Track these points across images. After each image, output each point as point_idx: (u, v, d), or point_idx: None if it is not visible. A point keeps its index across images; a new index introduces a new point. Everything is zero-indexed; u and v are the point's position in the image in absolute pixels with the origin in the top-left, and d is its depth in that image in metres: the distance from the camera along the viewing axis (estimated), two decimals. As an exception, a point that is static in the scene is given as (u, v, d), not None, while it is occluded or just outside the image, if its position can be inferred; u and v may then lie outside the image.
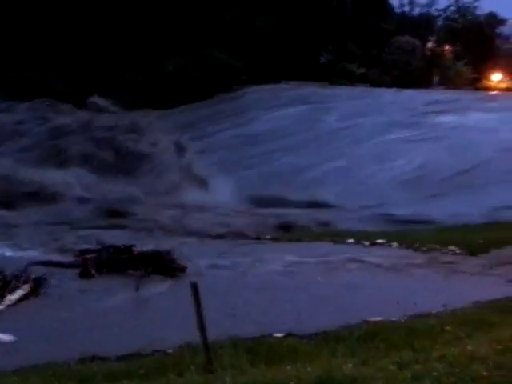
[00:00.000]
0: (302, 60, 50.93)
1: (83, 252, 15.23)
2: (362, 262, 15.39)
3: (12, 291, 12.53)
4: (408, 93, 45.32)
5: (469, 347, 7.15)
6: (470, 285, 13.00)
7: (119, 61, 40.21)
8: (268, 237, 19.79)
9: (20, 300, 12.48)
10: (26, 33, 36.02)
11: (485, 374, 6.21)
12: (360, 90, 46.63)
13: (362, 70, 53.98)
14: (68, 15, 38.17)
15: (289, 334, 9.96)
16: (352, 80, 50.24)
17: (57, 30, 37.36)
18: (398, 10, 68.40)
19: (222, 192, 26.05)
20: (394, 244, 17.55)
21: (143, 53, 41.63)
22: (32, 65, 35.69)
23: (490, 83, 60.12)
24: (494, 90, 56.66)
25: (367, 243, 17.81)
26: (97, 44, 39.08)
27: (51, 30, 37.05)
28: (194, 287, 8.55)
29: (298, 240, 19.02)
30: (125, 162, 27.34)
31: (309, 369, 7.61)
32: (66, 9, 38.21)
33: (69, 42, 37.58)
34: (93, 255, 14.88)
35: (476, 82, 59.34)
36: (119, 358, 9.36)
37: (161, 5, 42.96)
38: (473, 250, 16.31)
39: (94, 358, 9.31)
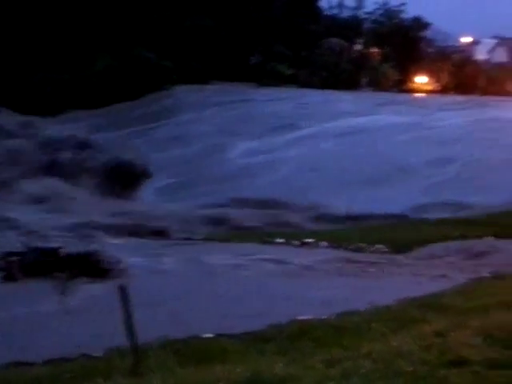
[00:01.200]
0: (233, 60, 51.07)
1: (8, 255, 14.84)
2: (289, 263, 15.54)
3: None
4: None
5: (394, 343, 7.29)
6: (395, 282, 13.30)
7: (45, 60, 39.38)
8: (198, 237, 19.77)
9: None
10: None
11: (409, 369, 6.34)
12: (288, 91, 47.12)
13: (292, 71, 54.48)
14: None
15: (218, 335, 9.95)
16: (281, 81, 50.64)
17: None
18: (327, 13, 69.36)
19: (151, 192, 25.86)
20: (323, 243, 17.79)
21: (71, 51, 40.91)
22: None
23: (415, 85, 61.68)
24: (419, 92, 58.17)
25: (297, 243, 18.00)
26: (22, 42, 38.17)
27: None
28: (122, 289, 8.44)
29: (227, 240, 19.07)
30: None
31: (238, 369, 7.61)
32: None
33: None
34: (17, 258, 14.53)
35: (401, 84, 60.76)
36: (45, 363, 9.16)
37: (90, 3, 42.31)
38: (399, 248, 16.71)
39: (19, 364, 9.09)
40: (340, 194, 26.19)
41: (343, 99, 43.92)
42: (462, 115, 38.34)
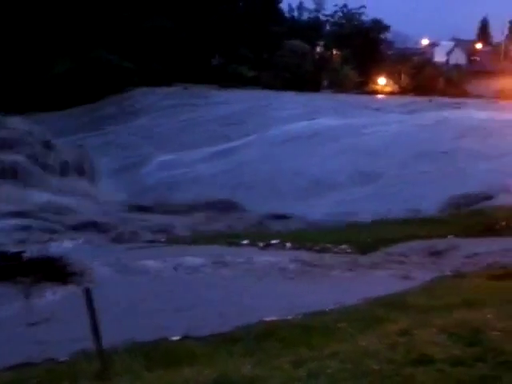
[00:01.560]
0: (194, 62, 50.98)
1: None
2: (254, 263, 15.57)
3: None
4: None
5: (360, 343, 7.37)
6: (361, 282, 13.42)
7: (3, 62, 38.87)
8: (163, 239, 19.71)
9: None
10: None
11: (376, 368, 6.42)
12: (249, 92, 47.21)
13: (254, 73, 54.59)
14: None
15: (185, 337, 9.94)
16: (243, 83, 50.72)
17: None
18: (287, 15, 69.65)
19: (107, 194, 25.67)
20: (288, 244, 17.87)
21: (30, 55, 40.42)
22: None
23: (376, 87, 62.33)
24: (379, 93, 58.81)
25: (262, 244, 18.04)
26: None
27: None
28: (87, 293, 8.39)
29: (194, 242, 19.03)
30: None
31: (206, 371, 7.61)
32: None
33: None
34: (-21, 262, 14.33)
35: (363, 86, 61.35)
36: (9, 369, 9.05)
37: (48, 5, 41.84)
38: (363, 249, 16.86)
39: (-18, 369, 8.97)
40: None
41: (296, 101, 44.14)
42: (406, 119, 38.71)
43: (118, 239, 19.59)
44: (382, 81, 63.88)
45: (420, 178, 28.37)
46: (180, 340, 9.83)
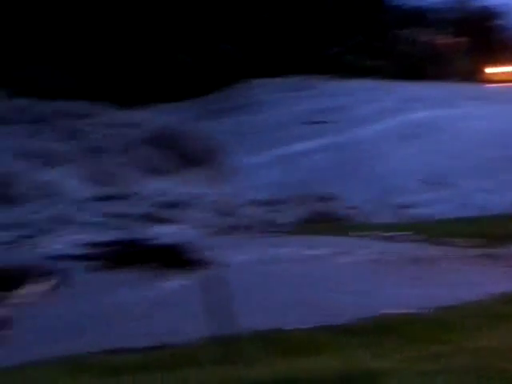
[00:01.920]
0: (309, 52, 50.83)
1: (102, 245, 15.34)
2: (381, 254, 15.43)
3: (35, 283, 12.68)
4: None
5: (489, 340, 7.22)
6: (486, 277, 13.03)
7: (125, 55, 40.24)
8: (286, 230, 19.80)
9: (42, 292, 12.62)
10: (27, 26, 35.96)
11: (508, 366, 6.27)
12: (369, 82, 46.59)
13: (371, 63, 53.80)
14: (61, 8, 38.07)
15: (306, 327, 10.04)
16: (360, 73, 50.07)
17: (42, 22, 37.18)
18: (393, 3, 67.89)
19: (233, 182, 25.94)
20: (411, 237, 17.51)
21: (148, 48, 41.66)
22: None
23: (491, 75, 59.81)
24: (494, 82, 56.38)
25: (385, 235, 17.79)
26: (97, 37, 39.11)
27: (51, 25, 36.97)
28: (212, 280, 8.66)
29: (315, 233, 19.02)
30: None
31: (329, 362, 7.68)
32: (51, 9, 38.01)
33: (65, 36, 37.46)
34: (111, 248, 15.01)
35: (476, 74, 59.04)
36: (138, 351, 9.46)
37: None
38: (493, 242, 16.20)
39: (116, 350, 9.43)
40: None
41: (411, 90, 43.05)
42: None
43: (238, 229, 19.90)
44: (498, 69, 61.30)
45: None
46: (300, 330, 9.94)
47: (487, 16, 65.45)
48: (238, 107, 38.20)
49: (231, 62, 43.87)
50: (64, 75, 35.00)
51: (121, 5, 40.78)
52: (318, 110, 37.44)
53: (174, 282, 13.54)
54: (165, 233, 16.56)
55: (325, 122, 34.75)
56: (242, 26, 46.52)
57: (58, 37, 37.13)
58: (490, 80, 57.06)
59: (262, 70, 45.51)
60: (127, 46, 40.58)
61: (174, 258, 14.44)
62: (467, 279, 12.82)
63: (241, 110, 37.70)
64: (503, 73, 60.02)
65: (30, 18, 36.57)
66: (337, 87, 43.50)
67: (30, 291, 12.47)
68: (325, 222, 21.69)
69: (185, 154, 25.81)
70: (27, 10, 36.52)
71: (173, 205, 21.60)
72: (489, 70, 60.52)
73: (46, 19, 37.24)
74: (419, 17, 64.49)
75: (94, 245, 15.68)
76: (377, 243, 16.81)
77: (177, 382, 7.19)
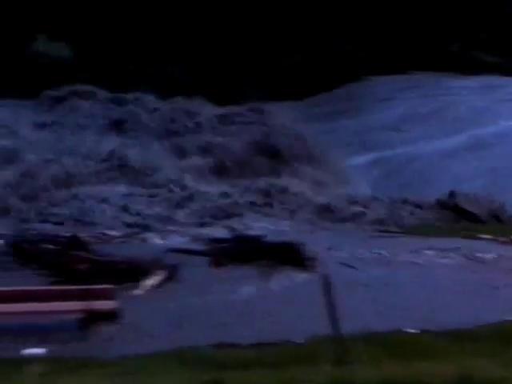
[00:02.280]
0: (430, 49, 49.54)
1: (216, 241, 15.55)
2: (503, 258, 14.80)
3: (148, 277, 12.99)
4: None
5: None
6: None
7: (241, 54, 40.71)
8: (402, 230, 19.37)
9: (156, 286, 12.91)
10: (137, 26, 36.94)
11: None
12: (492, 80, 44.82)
13: (495, 59, 51.77)
14: (182, 5, 38.83)
15: (423, 330, 9.74)
16: (483, 69, 48.31)
17: (165, 20, 38.06)
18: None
19: (356, 180, 25.58)
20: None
21: (266, 46, 41.95)
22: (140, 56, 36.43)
23: None
24: None
25: (505, 239, 17.08)
26: (217, 37, 39.74)
27: (159, 21, 37.80)
28: (326, 279, 8.49)
29: (429, 234, 18.51)
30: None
31: (445, 367, 7.37)
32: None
33: (187, 35, 38.29)
34: (224, 244, 15.18)
35: None
36: (251, 346, 9.46)
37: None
38: None
39: (227, 345, 9.47)
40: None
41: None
42: None
43: (349, 228, 19.62)
44: None
45: None
46: (417, 333, 9.65)
47: None
48: (351, 108, 37.81)
49: (351, 60, 43.49)
50: (184, 73, 35.88)
51: (238, 6, 41.32)
52: (430, 110, 36.37)
53: (287, 280, 13.53)
54: (275, 230, 16.54)
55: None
56: (363, 23, 46.01)
57: (181, 37, 38.14)
58: None
59: (382, 67, 44.82)
60: (245, 46, 41.08)
61: (287, 255, 14.41)
62: None
63: (354, 111, 37.27)
64: None
65: (156, 21, 37.74)
66: (451, 85, 42.14)
67: (143, 285, 12.78)
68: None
69: (290, 155, 25.78)
70: (157, 14, 37.77)
71: (282, 202, 21.56)
72: None
73: (171, 21, 38.33)
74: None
75: (208, 240, 15.90)
76: (496, 247, 16.13)
77: (285, 380, 7.09)
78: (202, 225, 18.77)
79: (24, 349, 9.38)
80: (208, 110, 28.36)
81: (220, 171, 24.35)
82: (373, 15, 46.73)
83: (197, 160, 24.76)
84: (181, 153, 25.42)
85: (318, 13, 43.90)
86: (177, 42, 37.22)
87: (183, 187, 22.31)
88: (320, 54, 42.90)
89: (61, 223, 19.00)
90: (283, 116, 29.67)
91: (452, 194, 22.31)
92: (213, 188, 22.53)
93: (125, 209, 20.31)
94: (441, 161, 28.94)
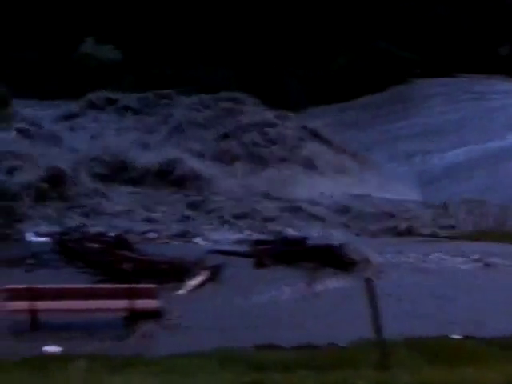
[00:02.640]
0: (479, 51, 48.78)
1: (258, 243, 15.57)
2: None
3: (191, 277, 13.09)
4: None
5: None
6: None
7: (286, 56, 40.70)
8: (443, 234, 19.06)
9: (198, 286, 13.00)
10: (174, 28, 37.18)
11: None
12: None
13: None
14: (227, 8, 39.02)
15: (467, 337, 9.59)
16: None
17: (210, 23, 38.25)
18: None
19: (400, 185, 25.28)
20: None
21: (311, 48, 41.85)
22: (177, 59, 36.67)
23: None
24: None
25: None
26: (262, 39, 39.79)
27: (202, 24, 38.00)
28: (369, 283, 8.42)
29: (477, 239, 18.13)
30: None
31: (490, 374, 7.25)
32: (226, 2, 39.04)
33: (231, 36, 38.44)
34: (267, 246, 15.19)
35: None
36: (292, 349, 9.45)
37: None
38: None
39: (268, 347, 9.48)
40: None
41: None
42: None
43: (397, 232, 19.37)
44: None
45: None
46: (461, 339, 9.52)
47: None
48: (397, 110, 37.38)
49: (397, 62, 43.10)
50: (225, 73, 36.02)
51: (285, 10, 41.32)
52: (478, 113, 35.67)
53: (330, 282, 13.47)
54: (321, 233, 16.48)
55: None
56: (411, 25, 45.55)
57: (227, 39, 38.34)
58: None
59: (429, 70, 44.33)
60: (291, 48, 41.09)
61: (331, 258, 14.35)
62: None
63: (400, 113, 36.83)
64: None
65: (203, 24, 38.01)
66: (500, 88, 41.29)
67: (186, 285, 12.87)
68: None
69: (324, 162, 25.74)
70: (203, 16, 38.06)
71: (328, 207, 21.43)
72: None
73: (218, 24, 38.55)
74: None
75: (252, 242, 15.93)
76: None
77: (326, 383, 7.07)
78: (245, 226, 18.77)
79: (70, 345, 9.55)
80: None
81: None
82: (421, 17, 46.24)
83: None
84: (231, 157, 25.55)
85: (364, 15, 43.65)
86: (222, 44, 37.38)
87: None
88: (366, 56, 42.64)
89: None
90: (325, 120, 29.54)
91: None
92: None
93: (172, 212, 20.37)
94: (492, 162, 28.42)
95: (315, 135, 28.28)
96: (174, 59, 35.32)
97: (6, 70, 24.63)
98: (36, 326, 10.57)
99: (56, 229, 17.60)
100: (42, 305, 10.60)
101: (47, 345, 9.56)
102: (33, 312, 10.59)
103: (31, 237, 16.58)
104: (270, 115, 28.37)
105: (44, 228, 17.80)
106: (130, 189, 22.59)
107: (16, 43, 32.96)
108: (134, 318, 10.74)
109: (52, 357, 8.72)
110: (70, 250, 14.86)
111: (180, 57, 35.62)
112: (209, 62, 36.14)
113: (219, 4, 38.44)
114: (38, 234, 16.74)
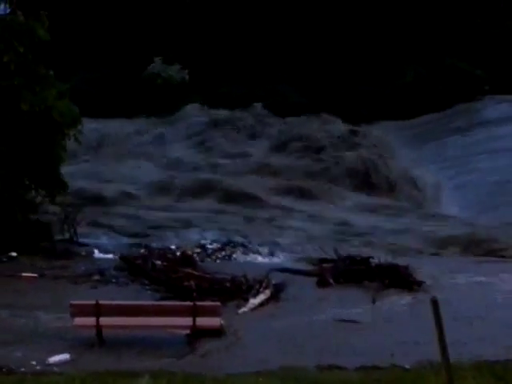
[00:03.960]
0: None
1: (321, 261, 15.48)
2: None
3: (254, 295, 13.08)
4: None
5: None
6: None
7: (352, 72, 40.58)
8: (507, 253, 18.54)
9: (261, 304, 12.97)
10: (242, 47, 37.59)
11: None
12: None
13: None
14: (295, 27, 39.22)
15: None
16: None
17: (278, 42, 38.50)
18: None
19: (457, 204, 24.84)
20: None
21: (377, 63, 41.60)
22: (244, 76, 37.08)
23: None
24: None
25: None
26: (329, 54, 39.82)
27: (274, 41, 38.26)
28: (435, 303, 8.22)
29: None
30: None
31: None
32: (287, 19, 39.29)
33: (299, 55, 38.62)
34: (330, 265, 15.09)
35: None
36: (356, 369, 9.31)
37: (396, 15, 42.59)
38: None
39: (331, 367, 9.36)
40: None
41: None
42: None
43: (468, 252, 18.91)
44: None
45: None
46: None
47: None
48: (463, 127, 36.66)
49: (466, 79, 42.42)
50: (294, 92, 36.25)
51: (348, 27, 41.30)
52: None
53: (394, 302, 13.25)
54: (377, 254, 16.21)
55: None
56: (480, 41, 44.82)
57: (291, 57, 38.58)
58: None
59: (499, 87, 43.43)
60: (357, 64, 40.96)
61: (395, 277, 14.15)
62: None
63: (465, 130, 36.10)
64: None
65: (267, 43, 38.39)
66: None
67: (249, 303, 12.86)
68: None
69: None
70: (267, 36, 38.47)
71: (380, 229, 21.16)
72: None
73: (282, 43, 38.85)
74: None
75: (315, 260, 15.85)
76: None
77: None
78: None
79: (134, 361, 9.66)
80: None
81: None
82: (490, 33, 45.49)
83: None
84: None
85: (433, 31, 43.17)
86: (287, 62, 37.59)
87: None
88: (435, 72, 42.11)
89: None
90: (389, 136, 29.28)
91: None
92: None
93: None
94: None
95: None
96: (242, 78, 35.71)
97: (77, 87, 25.39)
98: (101, 342, 10.73)
99: (122, 244, 17.92)
100: (107, 321, 10.75)
101: (111, 361, 9.69)
102: (98, 328, 10.75)
103: (97, 253, 16.91)
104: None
105: (110, 244, 18.14)
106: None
107: (87, 63, 34.05)
108: (197, 335, 10.78)
109: (117, 373, 8.81)
110: (135, 266, 15.08)
111: (248, 76, 35.99)
112: (275, 81, 36.41)
113: (285, 23, 38.69)
114: (104, 251, 17.06)
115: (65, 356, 9.98)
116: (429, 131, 36.12)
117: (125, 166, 26.18)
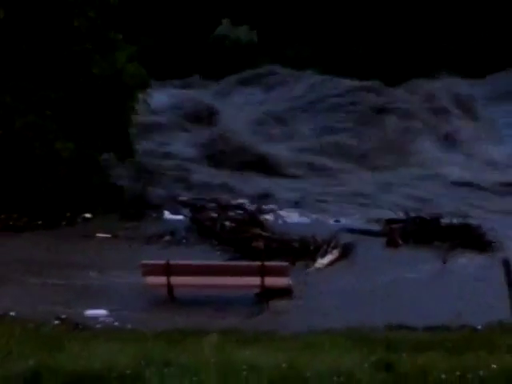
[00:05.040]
0: None
1: (390, 222, 15.31)
2: None
3: (323, 256, 13.09)
4: None
5: None
6: None
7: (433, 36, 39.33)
8: None
9: (329, 264, 12.98)
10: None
11: None
12: None
13: None
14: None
15: None
16: None
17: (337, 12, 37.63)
18: None
19: None
20: None
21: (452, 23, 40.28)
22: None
23: None
24: None
25: None
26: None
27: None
28: (506, 263, 8.11)
29: None
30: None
31: None
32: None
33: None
34: (399, 225, 14.91)
35: None
36: (425, 329, 9.25)
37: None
38: None
39: (400, 327, 9.32)
40: None
41: None
42: None
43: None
44: None
45: None
46: None
47: None
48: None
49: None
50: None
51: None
52: None
53: (465, 263, 13.05)
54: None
55: None
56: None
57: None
58: None
59: None
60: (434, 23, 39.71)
61: (466, 237, 13.89)
62: None
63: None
64: None
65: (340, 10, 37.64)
66: None
67: (317, 263, 12.89)
68: None
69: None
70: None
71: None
72: None
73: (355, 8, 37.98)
74: None
75: (384, 221, 15.66)
76: None
77: (457, 366, 6.84)
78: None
79: (203, 320, 9.83)
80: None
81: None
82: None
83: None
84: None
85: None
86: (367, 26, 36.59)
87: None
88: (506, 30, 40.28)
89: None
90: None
91: None
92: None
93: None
94: None
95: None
96: (309, 40, 35.23)
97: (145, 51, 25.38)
98: (172, 301, 10.97)
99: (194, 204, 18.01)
100: (178, 280, 10.97)
101: (181, 319, 9.91)
102: (169, 287, 10.98)
103: (168, 215, 17.15)
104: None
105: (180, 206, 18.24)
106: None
107: (155, 26, 34.20)
108: (266, 295, 10.89)
109: (187, 331, 9.00)
110: (205, 227, 15.27)
111: (315, 38, 35.46)
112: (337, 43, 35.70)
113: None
114: (175, 212, 17.26)
115: (102, 311, 10.34)
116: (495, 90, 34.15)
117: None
